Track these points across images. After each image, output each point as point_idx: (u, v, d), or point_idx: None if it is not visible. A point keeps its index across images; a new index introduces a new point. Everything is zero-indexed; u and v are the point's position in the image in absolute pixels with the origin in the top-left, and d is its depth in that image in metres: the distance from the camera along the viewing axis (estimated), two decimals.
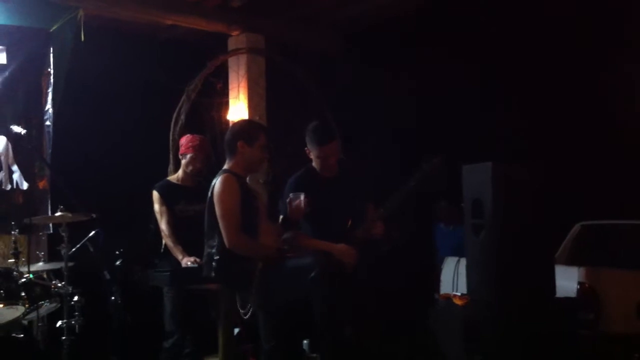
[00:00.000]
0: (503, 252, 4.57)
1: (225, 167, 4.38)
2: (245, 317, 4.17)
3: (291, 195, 4.39)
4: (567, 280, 5.07)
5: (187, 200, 5.07)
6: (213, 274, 4.21)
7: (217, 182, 4.23)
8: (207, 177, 4.79)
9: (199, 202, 4.96)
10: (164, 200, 5.07)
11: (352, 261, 4.37)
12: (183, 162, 5.20)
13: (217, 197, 4.16)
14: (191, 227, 4.83)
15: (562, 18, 6.34)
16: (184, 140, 5.22)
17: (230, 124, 4.77)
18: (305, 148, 4.59)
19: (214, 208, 4.18)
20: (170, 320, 4.98)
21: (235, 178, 4.23)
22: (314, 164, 4.65)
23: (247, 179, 4.48)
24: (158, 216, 5.08)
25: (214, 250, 4.21)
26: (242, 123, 4.91)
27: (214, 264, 4.21)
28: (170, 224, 5.02)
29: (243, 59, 6.95)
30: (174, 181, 5.24)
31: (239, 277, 4.16)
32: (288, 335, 4.45)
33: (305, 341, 5.62)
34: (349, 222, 4.56)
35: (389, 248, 4.70)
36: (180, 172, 5.25)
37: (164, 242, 5.10)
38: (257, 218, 4.30)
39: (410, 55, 6.95)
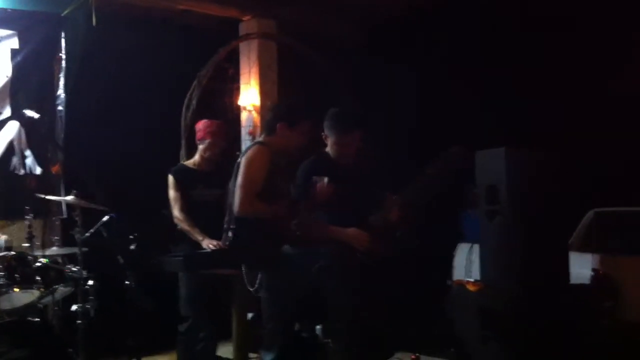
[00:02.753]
0: (517, 238, 4.56)
1: (261, 139, 4.33)
2: (255, 294, 4.17)
3: (314, 178, 4.31)
4: (581, 267, 5.06)
5: (204, 185, 5.06)
6: (229, 242, 4.21)
7: (249, 151, 4.18)
8: (224, 161, 4.79)
9: (216, 187, 4.96)
10: (179, 185, 5.06)
11: (364, 245, 4.32)
12: (201, 147, 5.17)
13: (244, 163, 4.13)
14: (208, 211, 4.83)
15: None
16: (202, 126, 5.19)
17: (274, 103, 4.59)
18: (322, 133, 4.46)
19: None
20: (186, 304, 4.99)
21: (269, 151, 4.17)
22: (328, 149, 4.56)
23: None
24: (172, 202, 5.07)
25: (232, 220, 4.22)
26: (286, 104, 4.73)
27: (229, 233, 4.20)
28: (183, 210, 5.01)
29: (254, 44, 6.93)
30: (191, 166, 5.23)
31: (253, 250, 4.16)
32: (289, 319, 4.45)
33: (318, 326, 5.64)
34: (364, 210, 4.52)
35: (404, 234, 4.65)
36: (197, 157, 5.23)
37: (178, 227, 5.11)
38: (273, 196, 4.23)
39: (426, 43, 6.91)
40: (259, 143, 4.28)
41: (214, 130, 5.12)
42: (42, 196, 5.03)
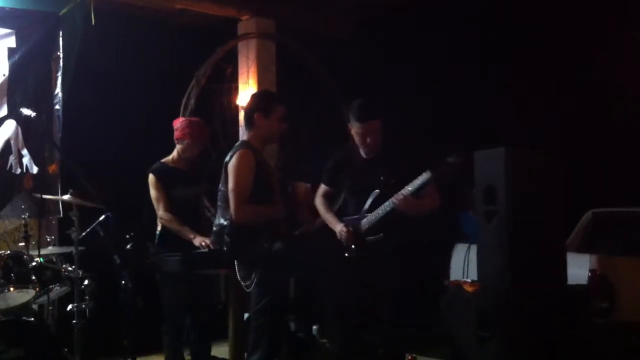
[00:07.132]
0: (515, 239, 4.53)
1: (244, 138, 4.41)
2: (247, 290, 4.17)
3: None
4: (578, 268, 5.05)
5: (183, 184, 4.99)
6: (225, 248, 4.22)
7: (234, 156, 4.22)
8: (207, 159, 4.74)
9: (194, 186, 4.95)
10: (161, 184, 4.98)
11: (345, 240, 4.35)
12: (179, 146, 5.06)
13: (232, 170, 4.18)
14: (188, 210, 4.82)
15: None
16: (180, 125, 5.05)
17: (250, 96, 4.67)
18: (348, 124, 4.51)
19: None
20: (170, 304, 4.94)
21: (252, 152, 4.23)
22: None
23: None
24: (155, 202, 4.97)
25: (226, 223, 4.22)
26: (259, 94, 4.86)
27: (225, 237, 4.20)
28: (168, 209, 4.94)
29: (253, 43, 6.92)
30: (170, 164, 5.11)
31: (247, 252, 4.17)
32: (280, 315, 4.47)
33: (314, 327, 5.62)
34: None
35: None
36: (174, 154, 5.09)
37: (159, 228, 5.04)
38: (270, 194, 4.31)
39: (423, 41, 6.90)
40: (242, 146, 4.31)
41: (193, 132, 5.01)
42: (39, 196, 5.01)
